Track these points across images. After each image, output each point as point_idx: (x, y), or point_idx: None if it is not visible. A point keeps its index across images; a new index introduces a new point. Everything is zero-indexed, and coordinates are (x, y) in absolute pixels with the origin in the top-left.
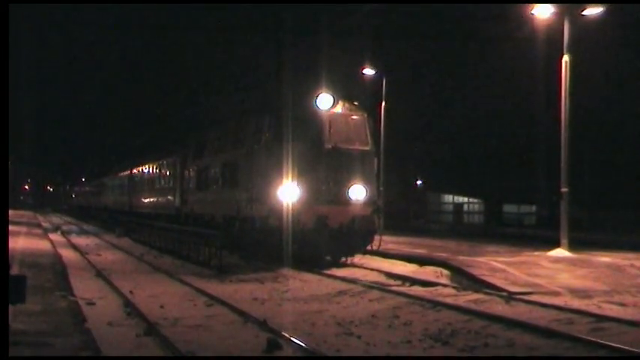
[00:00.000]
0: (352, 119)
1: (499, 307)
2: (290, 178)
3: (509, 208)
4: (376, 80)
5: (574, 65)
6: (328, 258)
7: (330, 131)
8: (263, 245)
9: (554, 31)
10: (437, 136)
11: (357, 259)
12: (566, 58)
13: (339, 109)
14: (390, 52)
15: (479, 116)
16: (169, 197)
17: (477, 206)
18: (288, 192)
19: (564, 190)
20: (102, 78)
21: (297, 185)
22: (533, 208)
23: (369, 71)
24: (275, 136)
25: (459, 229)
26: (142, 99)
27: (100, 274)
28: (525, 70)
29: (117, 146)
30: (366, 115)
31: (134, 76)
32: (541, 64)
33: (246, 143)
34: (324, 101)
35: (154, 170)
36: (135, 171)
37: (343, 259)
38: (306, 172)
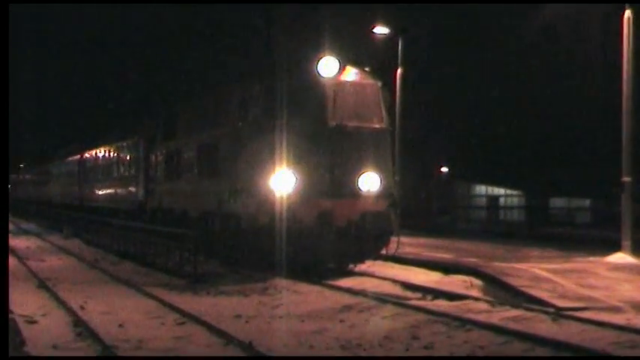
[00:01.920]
0: (363, 89)
1: (544, 327)
2: (285, 165)
3: (556, 202)
4: (390, 42)
5: None
6: (332, 265)
7: (335, 105)
8: (250, 249)
9: None
10: (467, 112)
11: (367, 265)
12: (628, 13)
13: (346, 76)
14: (408, 8)
15: (517, 89)
16: (131, 189)
17: (516, 200)
18: (283, 181)
19: (626, 179)
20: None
21: (294, 173)
22: (587, 202)
23: (381, 30)
24: (266, 110)
25: (494, 228)
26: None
27: (43, 284)
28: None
29: (67, 124)
30: (380, 85)
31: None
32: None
33: (229, 120)
34: (328, 66)
35: (112, 154)
36: (87, 155)
37: (351, 265)
38: (305, 156)
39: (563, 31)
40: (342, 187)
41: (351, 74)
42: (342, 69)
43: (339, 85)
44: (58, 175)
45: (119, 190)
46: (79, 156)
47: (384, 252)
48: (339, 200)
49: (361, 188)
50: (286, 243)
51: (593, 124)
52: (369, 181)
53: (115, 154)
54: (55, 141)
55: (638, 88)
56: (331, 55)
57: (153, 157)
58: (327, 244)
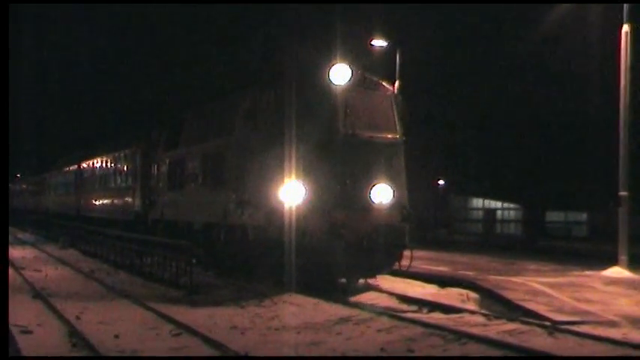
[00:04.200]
0: (376, 98)
1: (540, 340)
2: (294, 175)
3: (553, 215)
4: (388, 54)
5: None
6: (343, 279)
7: (346, 113)
8: (258, 262)
9: None
10: (464, 125)
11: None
12: (626, 27)
13: (358, 84)
14: (406, 19)
15: (515, 102)
16: (127, 199)
17: (513, 213)
18: (292, 192)
19: (623, 193)
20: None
21: (304, 184)
22: (584, 216)
23: (379, 42)
24: (276, 119)
25: (491, 241)
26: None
27: (39, 294)
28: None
29: (65, 135)
30: (393, 93)
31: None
32: (596, 33)
33: (236, 129)
34: (340, 74)
35: (109, 165)
36: (84, 165)
37: (361, 280)
38: (315, 166)
39: (562, 44)
40: (354, 199)
41: (364, 82)
42: (354, 76)
43: (352, 94)
44: (55, 185)
45: (116, 201)
46: (75, 166)
47: (397, 266)
48: (350, 212)
49: (373, 200)
50: (296, 256)
51: (591, 137)
52: (382, 193)
53: (112, 165)
54: (52, 151)
55: (636, 102)
56: (343, 62)
57: (154, 167)
58: (338, 258)
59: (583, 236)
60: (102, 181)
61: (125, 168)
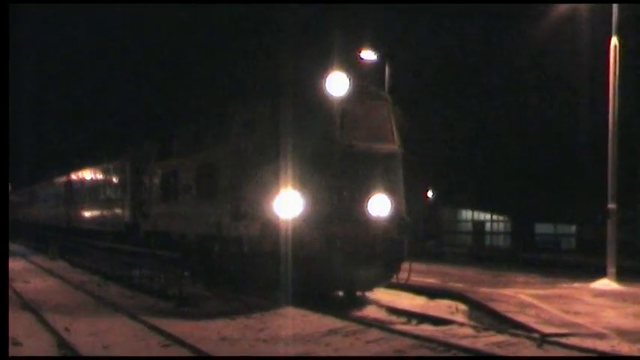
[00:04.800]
0: (374, 108)
1: (529, 352)
2: (291, 186)
3: (542, 228)
4: (377, 67)
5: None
6: (340, 292)
7: (343, 123)
8: (253, 274)
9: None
10: (453, 137)
11: None
12: (614, 40)
13: (355, 93)
14: (394, 31)
15: (504, 113)
16: (117, 210)
17: (502, 225)
18: (288, 204)
19: (612, 206)
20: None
21: (300, 195)
22: (573, 228)
23: (368, 55)
24: (272, 129)
25: (480, 253)
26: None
27: (28, 306)
28: (565, 53)
29: (54, 147)
30: (390, 103)
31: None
32: (585, 46)
33: (231, 139)
34: (337, 83)
35: (98, 176)
36: (74, 177)
37: (359, 293)
38: (312, 177)
39: (551, 56)
40: (351, 211)
41: (361, 92)
42: (351, 85)
43: (349, 103)
44: (45, 197)
45: (105, 212)
46: (65, 177)
47: (395, 279)
48: (347, 224)
49: (371, 212)
50: (292, 269)
51: (580, 150)
52: (380, 205)
53: (102, 177)
54: (41, 162)
55: (624, 115)
56: (340, 71)
57: (147, 178)
58: (335, 271)
59: (572, 248)
60: (92, 193)
61: (115, 179)
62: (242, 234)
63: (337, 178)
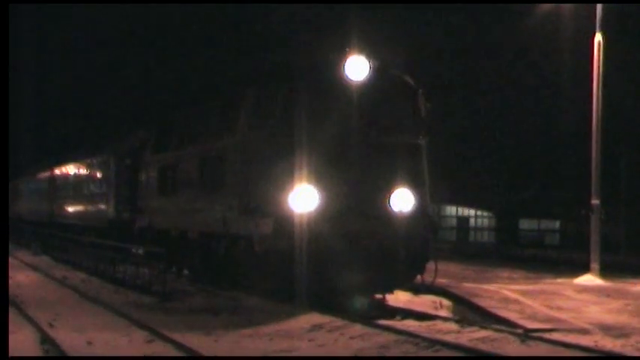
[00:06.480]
0: (397, 96)
1: (512, 348)
2: (306, 180)
3: (526, 223)
4: None
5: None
6: (359, 294)
7: (363, 112)
8: (264, 275)
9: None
10: (437, 133)
11: None
12: (599, 37)
13: (376, 79)
14: (380, 34)
15: (489, 110)
16: (101, 206)
17: (486, 221)
18: (303, 199)
19: (595, 202)
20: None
21: (316, 189)
22: (557, 224)
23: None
24: (285, 118)
25: (464, 249)
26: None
27: (11, 301)
28: (550, 53)
29: (38, 141)
30: (417, 90)
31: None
32: (569, 44)
33: (240, 128)
34: (356, 68)
35: (82, 172)
36: (57, 172)
37: (379, 295)
38: (329, 170)
39: (534, 54)
40: (372, 206)
41: (383, 77)
42: (371, 70)
43: (369, 90)
44: (28, 192)
45: (89, 208)
46: (48, 172)
47: (420, 280)
48: (367, 221)
49: (394, 207)
50: (307, 269)
51: (564, 146)
52: (403, 199)
53: (86, 172)
54: (25, 157)
55: (607, 112)
56: (360, 54)
57: (141, 172)
58: (354, 271)
59: (556, 244)
60: (75, 188)
61: (99, 175)
62: (252, 231)
63: (357, 170)
